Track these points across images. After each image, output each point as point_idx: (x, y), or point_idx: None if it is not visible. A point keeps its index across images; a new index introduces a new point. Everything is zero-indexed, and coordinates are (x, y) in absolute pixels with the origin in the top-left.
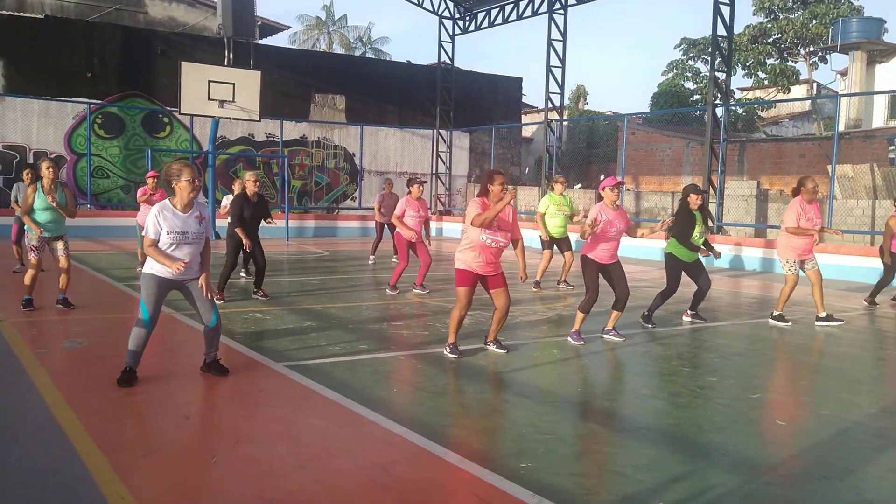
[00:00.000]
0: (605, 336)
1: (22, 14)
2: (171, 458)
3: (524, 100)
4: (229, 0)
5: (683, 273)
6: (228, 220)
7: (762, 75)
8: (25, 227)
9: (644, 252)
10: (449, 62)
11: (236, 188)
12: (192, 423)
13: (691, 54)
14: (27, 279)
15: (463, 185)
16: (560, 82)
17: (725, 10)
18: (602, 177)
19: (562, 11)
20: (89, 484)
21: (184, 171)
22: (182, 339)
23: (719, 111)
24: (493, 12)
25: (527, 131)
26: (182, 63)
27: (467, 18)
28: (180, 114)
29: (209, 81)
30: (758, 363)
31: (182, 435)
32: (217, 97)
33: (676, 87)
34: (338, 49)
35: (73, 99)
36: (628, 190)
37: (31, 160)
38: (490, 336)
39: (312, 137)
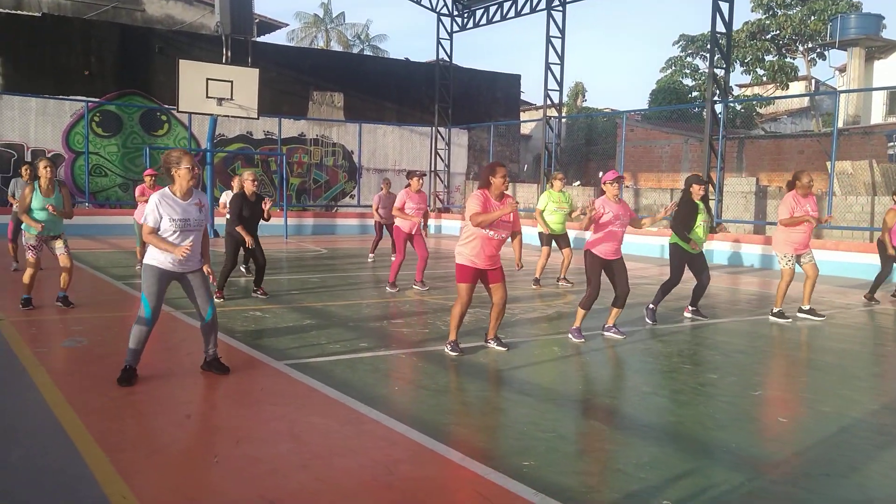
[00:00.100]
0: (605, 333)
1: (19, 12)
2: (173, 457)
3: (523, 97)
4: None
5: (686, 266)
6: (227, 217)
7: (761, 72)
8: (23, 226)
9: (644, 249)
10: (447, 59)
11: (235, 186)
12: (193, 422)
13: (690, 51)
14: (26, 278)
15: (461, 182)
16: (559, 79)
17: (724, 7)
18: (601, 174)
19: (560, 8)
20: (91, 483)
21: (183, 159)
22: (182, 337)
23: (718, 108)
24: (492, 9)
25: (525, 128)
26: (180, 61)
27: (465, 15)
28: (178, 112)
29: (207, 79)
30: (758, 360)
31: (183, 434)
32: (215, 95)
33: (675, 83)
34: (336, 47)
35: (71, 97)
36: (627, 187)
37: (28, 159)
38: (490, 333)
39: (311, 135)
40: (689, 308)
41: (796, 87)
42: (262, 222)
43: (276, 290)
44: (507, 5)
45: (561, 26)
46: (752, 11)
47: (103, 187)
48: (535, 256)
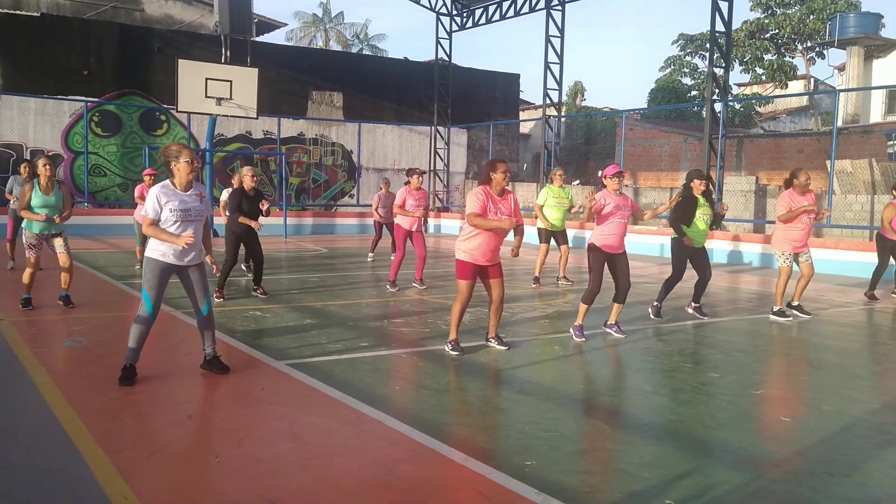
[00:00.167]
0: (606, 328)
1: (18, 12)
2: (174, 457)
3: (522, 96)
4: None
5: (689, 263)
6: (227, 214)
7: (760, 71)
8: (24, 224)
9: (643, 248)
10: (446, 59)
11: (235, 182)
12: (193, 422)
13: (689, 50)
14: (25, 278)
15: (461, 181)
16: (558, 78)
17: (724, 6)
18: (600, 173)
19: (559, 8)
20: (91, 484)
21: (182, 152)
22: (181, 337)
23: (718, 107)
24: (491, 9)
25: (524, 128)
26: (179, 61)
27: (465, 15)
28: (177, 111)
29: (206, 79)
30: (759, 359)
31: (184, 434)
32: (214, 95)
33: (674, 82)
34: (334, 46)
35: (70, 97)
36: (626, 186)
37: (27, 158)
38: (490, 332)
39: (310, 134)
40: (692, 304)
41: (795, 86)
42: (261, 221)
43: (275, 290)
44: (506, 5)
45: (560, 26)
46: (752, 10)
47: (102, 187)
48: (533, 256)
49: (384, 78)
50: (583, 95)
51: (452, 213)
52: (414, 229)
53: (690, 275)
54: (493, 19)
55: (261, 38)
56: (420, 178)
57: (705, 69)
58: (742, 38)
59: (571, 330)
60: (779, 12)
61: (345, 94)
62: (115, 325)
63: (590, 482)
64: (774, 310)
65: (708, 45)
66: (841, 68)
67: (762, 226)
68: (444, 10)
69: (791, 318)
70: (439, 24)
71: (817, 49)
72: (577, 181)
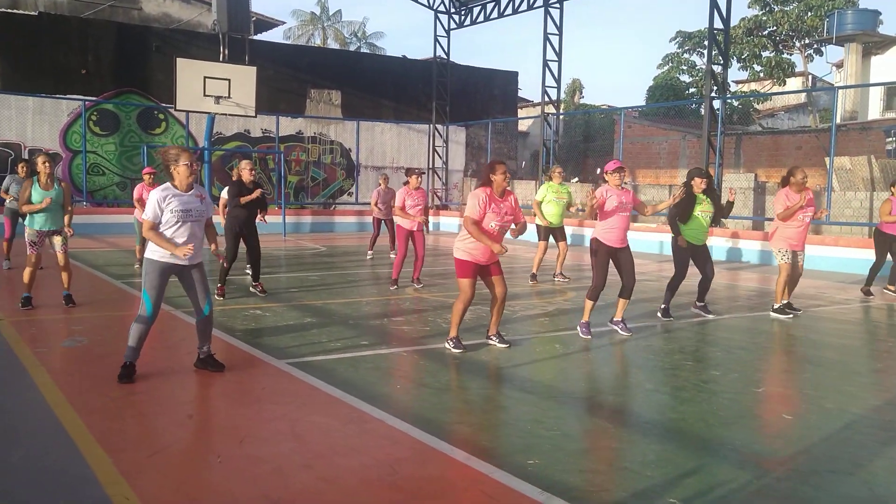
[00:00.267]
0: (612, 325)
1: (16, 11)
2: (175, 457)
3: (520, 94)
4: None
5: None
6: (226, 211)
7: (758, 68)
8: (25, 222)
9: (643, 245)
10: (445, 57)
11: (234, 177)
12: (194, 421)
13: (687, 47)
14: (26, 276)
15: (459, 179)
16: (556, 76)
17: (722, 3)
18: (599, 170)
19: (557, 5)
20: (94, 484)
21: (181, 156)
22: (182, 336)
23: (716, 104)
24: (489, 6)
25: (523, 125)
26: (177, 59)
27: (463, 13)
28: (176, 110)
29: (204, 77)
30: (760, 356)
31: (185, 434)
32: (213, 93)
33: (672, 80)
34: (332, 44)
35: (68, 96)
36: (625, 183)
37: (25, 157)
38: (491, 330)
39: (308, 133)
40: (697, 304)
41: (793, 83)
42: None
43: (275, 288)
44: (504, 2)
45: (558, 23)
46: (749, 7)
47: (101, 186)
48: (532, 253)
49: (382, 76)
50: (581, 93)
51: (451, 210)
52: (415, 229)
53: (693, 272)
54: (492, 17)
55: (259, 37)
56: (419, 179)
57: (703, 66)
58: (740, 36)
59: (578, 328)
60: (777, 9)
61: (343, 93)
62: (115, 325)
63: (594, 481)
64: (775, 307)
65: (706, 43)
66: (839, 65)
67: (761, 223)
68: (442, 8)
69: (791, 316)
70: (438, 21)
71: (815, 46)
72: (576, 178)
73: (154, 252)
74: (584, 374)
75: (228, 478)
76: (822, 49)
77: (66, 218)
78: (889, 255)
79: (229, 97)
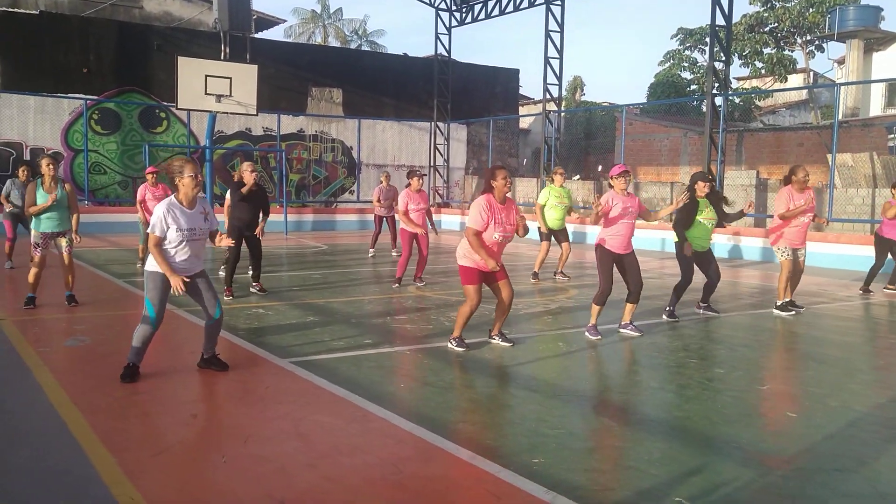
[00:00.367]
0: (622, 331)
1: (16, 10)
2: (180, 457)
3: (521, 91)
4: None
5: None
6: (228, 213)
7: (759, 64)
8: (32, 225)
9: (644, 243)
10: (446, 54)
11: (236, 178)
12: (198, 421)
13: (688, 44)
14: (31, 277)
15: (461, 177)
16: (558, 73)
17: None
18: (600, 167)
19: (559, 2)
20: (98, 485)
21: (186, 168)
22: (185, 336)
23: (718, 100)
24: (490, 4)
25: (524, 123)
26: (178, 58)
27: (464, 10)
28: (177, 109)
29: (206, 76)
30: (764, 354)
31: (189, 433)
32: (214, 92)
33: (673, 77)
34: (333, 42)
35: (70, 95)
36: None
37: (27, 157)
38: (494, 329)
39: (310, 131)
40: (700, 304)
41: (795, 80)
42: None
43: (277, 287)
44: (505, 0)
45: (560, 21)
46: (751, 4)
47: (103, 185)
48: (535, 252)
49: (384, 74)
50: (582, 90)
51: (452, 208)
52: (421, 234)
53: (700, 275)
54: (493, 14)
55: (260, 35)
56: (420, 180)
57: (705, 63)
58: (741, 32)
59: (586, 331)
60: (778, 5)
61: (344, 91)
62: (118, 324)
63: (599, 480)
64: (777, 304)
65: (707, 39)
66: (840, 62)
67: (763, 220)
68: (443, 6)
69: (794, 313)
70: (438, 19)
71: (817, 42)
72: (577, 176)
73: (155, 265)
74: (588, 373)
75: (233, 477)
76: (824, 45)
77: (74, 222)
78: (890, 255)
79: (231, 95)
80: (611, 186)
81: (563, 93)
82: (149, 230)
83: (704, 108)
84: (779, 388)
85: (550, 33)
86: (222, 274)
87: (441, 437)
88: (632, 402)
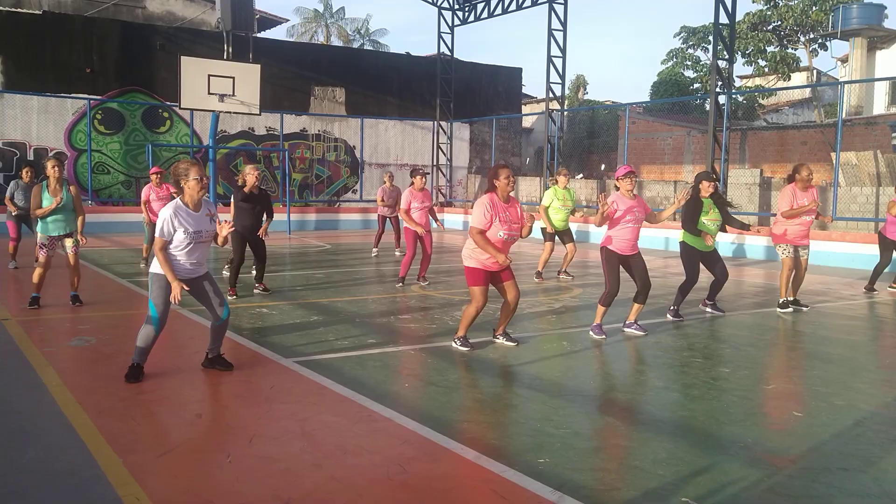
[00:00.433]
0: (626, 330)
1: (20, 10)
2: (185, 457)
3: (524, 90)
4: None
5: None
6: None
7: (762, 63)
8: (38, 228)
9: (648, 242)
10: (448, 53)
11: (240, 181)
12: (204, 421)
13: (691, 43)
14: (35, 277)
15: (464, 176)
16: (560, 72)
17: None
18: (603, 166)
19: (561, 1)
20: (105, 485)
21: (191, 170)
22: (189, 335)
23: (722, 99)
24: (493, 2)
25: (527, 122)
26: (181, 57)
27: (466, 9)
28: (180, 108)
29: (209, 76)
30: (769, 353)
31: (195, 434)
32: (217, 91)
33: (676, 75)
34: (336, 42)
35: (73, 95)
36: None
37: (31, 157)
38: (499, 329)
39: (312, 130)
40: (706, 301)
41: (798, 78)
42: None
43: (280, 287)
44: None
45: (562, 19)
46: (754, 2)
47: (106, 185)
48: (538, 251)
49: (386, 73)
50: (585, 89)
51: (455, 208)
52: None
53: (705, 275)
54: (495, 13)
55: (262, 34)
56: (423, 179)
57: (708, 62)
58: (745, 30)
59: (590, 331)
60: (781, 4)
61: (347, 90)
62: (122, 324)
63: (605, 480)
64: (780, 302)
65: (710, 38)
66: (844, 60)
67: (767, 219)
68: (445, 5)
69: (791, 310)
70: (441, 18)
71: (820, 40)
72: (581, 175)
73: (160, 267)
74: (592, 372)
75: (238, 477)
76: (827, 44)
77: (80, 223)
78: (895, 254)
79: (234, 95)
80: (617, 188)
81: (566, 91)
82: (156, 234)
83: (708, 107)
84: (784, 387)
85: (553, 32)
86: (226, 274)
87: (446, 436)
88: (637, 402)
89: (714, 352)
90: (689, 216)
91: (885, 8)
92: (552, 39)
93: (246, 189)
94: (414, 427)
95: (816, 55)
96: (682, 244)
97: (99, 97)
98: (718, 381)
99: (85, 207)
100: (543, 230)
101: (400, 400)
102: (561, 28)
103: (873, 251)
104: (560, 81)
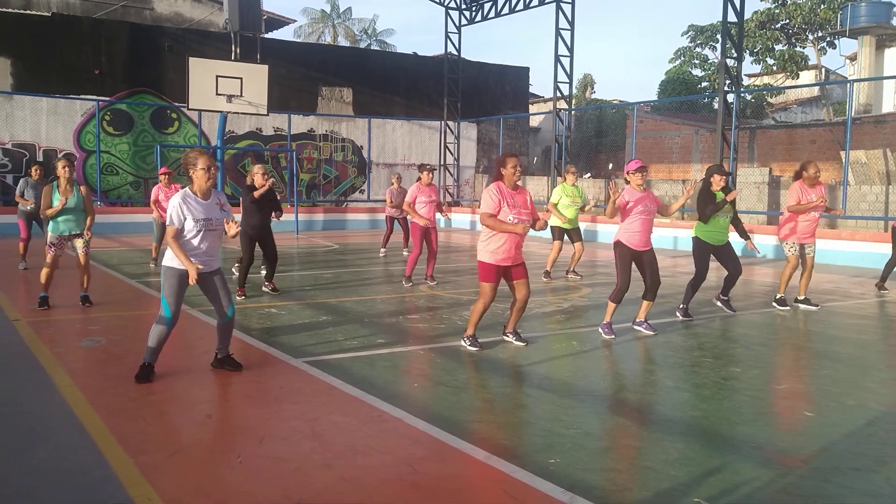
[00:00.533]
0: (636, 327)
1: (29, 12)
2: (196, 457)
3: (531, 90)
4: None
5: (713, 258)
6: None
7: (770, 61)
8: (49, 228)
9: (657, 241)
10: (456, 53)
11: (248, 181)
12: (214, 421)
13: (699, 41)
14: (43, 277)
15: (471, 175)
16: (568, 71)
17: None
18: (610, 165)
19: (569, 0)
20: (116, 485)
21: (199, 160)
22: (199, 335)
23: (730, 98)
24: (500, 2)
25: (534, 121)
26: (189, 58)
27: (474, 9)
28: (188, 109)
29: (217, 76)
30: (779, 352)
31: (205, 434)
32: (225, 92)
33: (684, 74)
34: (343, 42)
35: (82, 96)
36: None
37: (40, 158)
38: (509, 327)
39: (320, 131)
40: (720, 297)
41: (806, 77)
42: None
43: (289, 287)
44: None
45: (570, 18)
46: (762, 0)
47: (115, 186)
48: (547, 250)
49: (393, 73)
50: (592, 88)
51: (463, 207)
52: (430, 227)
53: (714, 274)
54: (503, 12)
55: (270, 35)
56: (430, 174)
57: (716, 60)
58: (753, 29)
59: (600, 329)
60: (789, 2)
61: (354, 90)
62: (132, 324)
63: (616, 480)
64: (777, 297)
65: (719, 36)
66: (852, 58)
67: (776, 217)
68: (452, 5)
69: (788, 309)
70: (448, 18)
71: (828, 39)
72: (588, 174)
73: (172, 260)
74: (602, 372)
75: (249, 478)
76: (836, 42)
77: (88, 221)
78: None
79: (241, 96)
80: (627, 182)
81: (574, 91)
82: (167, 223)
83: (716, 106)
84: (795, 386)
85: (560, 31)
86: (235, 274)
87: (456, 436)
88: (647, 402)
89: (724, 351)
90: (703, 204)
91: (894, 6)
92: (559, 39)
93: (256, 194)
94: (424, 427)
95: (825, 53)
96: (695, 239)
97: (107, 98)
98: (729, 381)
99: (94, 209)
100: (552, 229)
101: (409, 400)
102: (568, 27)
103: (883, 250)
104: (567, 81)
